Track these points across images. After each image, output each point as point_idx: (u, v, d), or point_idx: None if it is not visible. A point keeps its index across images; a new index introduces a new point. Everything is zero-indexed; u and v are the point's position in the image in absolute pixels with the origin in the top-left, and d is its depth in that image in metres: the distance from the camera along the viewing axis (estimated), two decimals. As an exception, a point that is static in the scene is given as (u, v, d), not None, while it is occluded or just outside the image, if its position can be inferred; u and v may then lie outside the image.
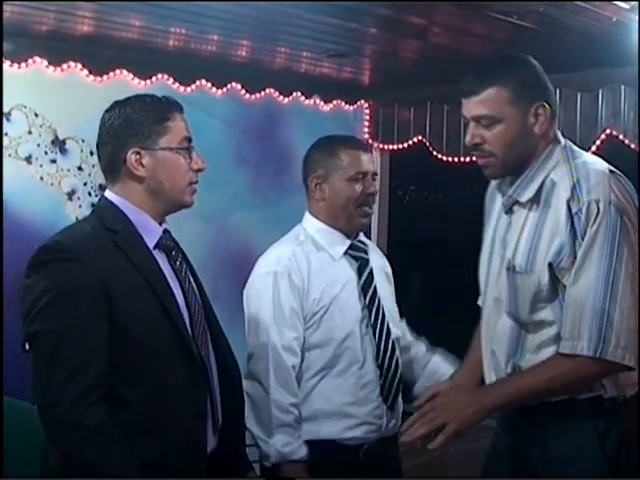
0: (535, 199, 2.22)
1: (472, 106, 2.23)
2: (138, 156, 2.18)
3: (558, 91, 4.21)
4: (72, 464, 2.00)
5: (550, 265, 2.13)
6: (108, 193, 2.24)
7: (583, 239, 2.09)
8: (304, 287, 2.72)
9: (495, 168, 2.26)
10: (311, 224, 2.86)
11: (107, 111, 2.27)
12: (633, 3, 3.07)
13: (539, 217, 2.19)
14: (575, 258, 2.10)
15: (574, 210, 2.11)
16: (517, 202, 2.25)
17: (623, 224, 2.09)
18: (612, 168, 2.19)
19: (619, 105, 4.04)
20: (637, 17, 3.14)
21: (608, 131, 4.11)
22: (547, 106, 2.21)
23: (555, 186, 2.18)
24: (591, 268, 2.08)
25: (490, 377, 2.32)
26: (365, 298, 2.80)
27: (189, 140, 2.23)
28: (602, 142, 4.13)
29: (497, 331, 2.30)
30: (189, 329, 2.18)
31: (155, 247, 2.20)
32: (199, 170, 2.24)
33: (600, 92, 4.11)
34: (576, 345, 2.08)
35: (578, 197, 2.12)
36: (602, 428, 2.17)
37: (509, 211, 2.29)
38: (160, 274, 2.17)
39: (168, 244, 2.25)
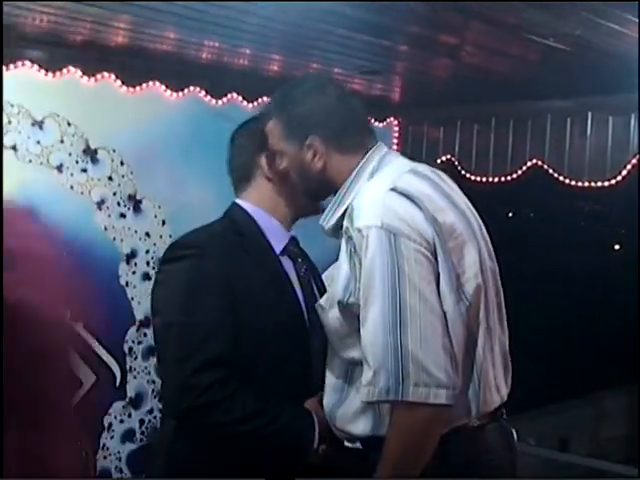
0: (339, 228, 2.00)
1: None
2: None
3: (590, 114, 4.22)
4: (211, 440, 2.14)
5: (340, 303, 1.93)
6: (240, 201, 2.33)
7: (361, 271, 1.86)
8: None
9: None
10: None
11: (238, 129, 2.38)
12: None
13: (342, 249, 1.97)
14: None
15: (349, 240, 1.90)
16: (334, 234, 2.05)
17: (400, 247, 1.83)
18: (397, 185, 1.94)
19: (652, 130, 4.01)
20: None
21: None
22: (321, 139, 2.04)
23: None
24: (375, 302, 1.82)
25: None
26: None
27: None
28: (633, 167, 4.10)
29: (328, 376, 2.12)
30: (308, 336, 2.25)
31: (282, 253, 2.30)
32: None
33: (633, 116, 4.09)
34: (374, 390, 1.81)
35: (351, 224, 1.90)
36: None
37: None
38: (284, 277, 2.26)
39: (294, 251, 2.34)
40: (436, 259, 1.87)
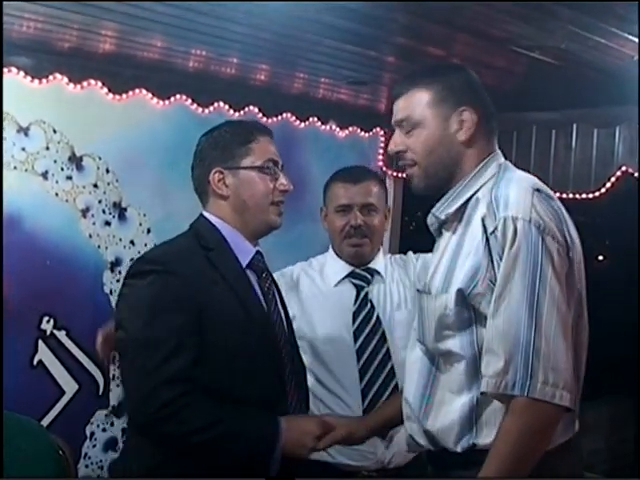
0: (457, 218, 2.03)
1: (396, 109, 2.11)
2: (221, 175, 2.27)
3: (575, 126, 4.24)
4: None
5: (461, 291, 1.91)
6: (205, 212, 2.32)
7: (500, 261, 1.86)
8: None
9: (418, 179, 2.08)
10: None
11: (203, 135, 2.37)
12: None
13: (459, 237, 1.99)
14: (492, 283, 1.87)
15: (490, 228, 1.89)
16: (442, 222, 2.06)
17: (546, 244, 1.85)
18: (540, 187, 1.99)
19: (636, 142, 4.01)
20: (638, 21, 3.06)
21: (624, 168, 4.09)
22: (473, 112, 2.04)
23: (478, 204, 1.97)
24: (512, 295, 1.83)
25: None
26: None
27: (275, 163, 2.32)
28: (617, 179, 4.12)
29: (409, 369, 2.10)
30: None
31: (247, 267, 2.28)
32: (285, 191, 2.32)
33: (617, 129, 4.10)
34: (500, 382, 1.81)
35: (494, 214, 1.90)
36: None
37: (438, 233, 2.10)
38: (251, 291, 2.25)
39: (260, 265, 2.34)
40: (570, 266, 1.91)
